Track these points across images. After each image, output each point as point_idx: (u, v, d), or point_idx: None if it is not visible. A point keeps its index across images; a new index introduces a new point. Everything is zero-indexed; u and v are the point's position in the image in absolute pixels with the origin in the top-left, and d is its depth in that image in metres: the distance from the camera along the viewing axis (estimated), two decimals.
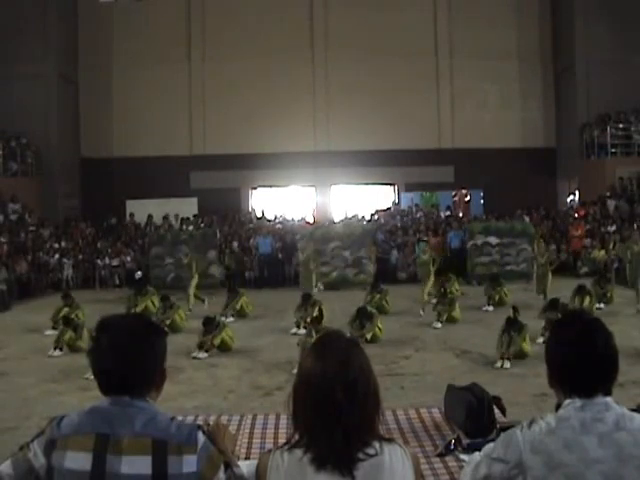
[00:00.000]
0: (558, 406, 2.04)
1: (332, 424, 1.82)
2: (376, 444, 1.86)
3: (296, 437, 1.89)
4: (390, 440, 1.91)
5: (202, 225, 21.40)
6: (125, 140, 22.94)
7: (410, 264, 19.04)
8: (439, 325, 12.04)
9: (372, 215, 22.11)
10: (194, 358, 9.99)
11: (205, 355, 10.09)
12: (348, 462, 1.82)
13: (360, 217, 21.83)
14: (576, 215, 21.01)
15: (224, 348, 10.42)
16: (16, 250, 18.48)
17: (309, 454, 1.83)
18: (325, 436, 1.82)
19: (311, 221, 21.90)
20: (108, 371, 2.00)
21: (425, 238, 18.43)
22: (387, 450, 1.86)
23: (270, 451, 1.94)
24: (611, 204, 20.48)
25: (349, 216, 21.93)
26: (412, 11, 23.01)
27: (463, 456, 4.47)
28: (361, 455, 1.83)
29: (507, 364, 9.00)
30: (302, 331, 11.27)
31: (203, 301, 14.59)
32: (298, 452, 1.86)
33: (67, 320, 11.08)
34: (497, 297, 14.11)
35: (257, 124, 22.69)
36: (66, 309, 12.16)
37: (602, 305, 13.14)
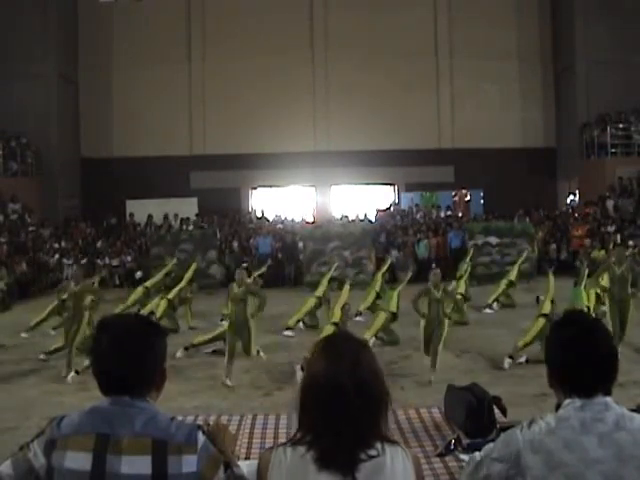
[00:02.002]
0: (558, 406, 2.04)
1: (341, 424, 1.83)
2: (378, 445, 1.86)
3: (299, 434, 1.90)
4: (392, 442, 1.91)
5: (202, 225, 21.41)
6: (125, 140, 22.94)
7: (410, 264, 19.05)
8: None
9: (368, 215, 22.13)
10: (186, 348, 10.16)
11: (181, 355, 10.01)
12: (351, 462, 1.82)
13: (358, 217, 21.84)
14: (577, 215, 21.03)
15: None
16: (16, 250, 18.49)
17: (312, 452, 1.84)
18: (332, 435, 1.83)
19: (311, 221, 21.92)
20: (108, 371, 2.01)
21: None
22: (389, 451, 1.87)
23: (272, 447, 1.95)
24: (610, 204, 20.47)
25: (347, 215, 21.93)
26: (412, 11, 23.00)
27: (463, 456, 4.47)
28: (363, 456, 1.83)
29: None
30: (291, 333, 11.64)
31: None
32: (301, 449, 1.86)
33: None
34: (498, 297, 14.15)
35: (257, 124, 22.69)
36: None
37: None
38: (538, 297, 10.17)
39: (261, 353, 9.77)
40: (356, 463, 1.82)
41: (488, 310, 13.80)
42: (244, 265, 9.95)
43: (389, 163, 22.81)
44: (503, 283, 14.44)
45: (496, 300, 14.13)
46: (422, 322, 8.92)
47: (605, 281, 9.66)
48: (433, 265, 10.46)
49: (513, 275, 14.71)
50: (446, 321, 8.81)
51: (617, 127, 21.57)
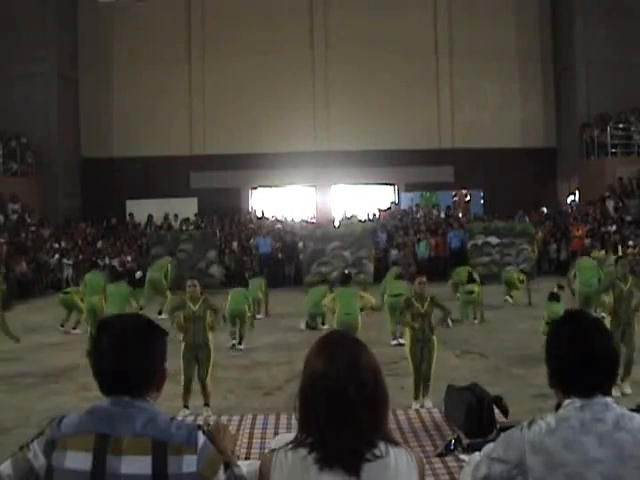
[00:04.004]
0: (558, 406, 2.04)
1: (344, 424, 1.82)
2: (381, 445, 1.86)
3: (299, 437, 1.90)
4: (396, 443, 1.91)
5: (202, 225, 21.42)
6: (125, 140, 22.94)
7: (410, 264, 19.04)
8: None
9: (372, 215, 22.14)
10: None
11: None
12: (357, 461, 1.82)
13: (359, 217, 21.85)
14: (577, 215, 21.02)
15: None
16: (16, 250, 18.49)
17: (314, 454, 1.83)
18: (336, 435, 1.82)
19: (312, 221, 21.93)
20: (108, 371, 2.00)
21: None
22: (392, 452, 1.87)
23: (273, 450, 1.94)
24: (610, 204, 20.45)
25: (348, 216, 21.95)
26: (412, 11, 23.01)
27: (463, 456, 4.47)
28: (369, 455, 1.83)
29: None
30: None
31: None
32: (302, 451, 1.86)
33: None
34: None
35: (257, 124, 22.69)
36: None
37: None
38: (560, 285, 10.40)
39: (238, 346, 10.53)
40: (362, 463, 1.82)
41: (509, 299, 14.27)
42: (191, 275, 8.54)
43: (389, 163, 22.81)
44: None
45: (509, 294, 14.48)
46: (407, 340, 7.61)
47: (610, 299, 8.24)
48: (417, 273, 8.77)
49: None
50: (434, 338, 7.51)
51: (617, 127, 21.56)
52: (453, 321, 12.17)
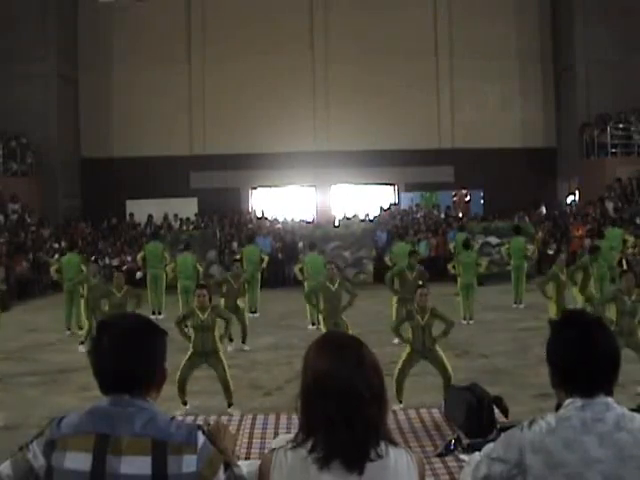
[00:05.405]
0: (558, 406, 2.04)
1: (354, 422, 1.82)
2: (382, 445, 1.86)
3: (300, 437, 1.89)
4: (396, 443, 1.91)
5: (202, 225, 21.43)
6: (125, 140, 22.93)
7: None
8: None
9: (369, 215, 22.13)
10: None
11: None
12: (362, 459, 1.82)
13: (360, 217, 21.84)
14: (577, 215, 20.99)
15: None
16: (16, 250, 18.48)
17: (315, 453, 1.83)
18: (343, 433, 1.81)
19: (312, 221, 21.94)
20: (109, 371, 2.00)
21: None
22: (392, 453, 1.87)
23: (273, 450, 1.94)
24: (610, 205, 20.41)
25: (349, 216, 21.94)
26: (412, 11, 22.99)
27: (463, 456, 4.48)
28: (373, 455, 1.83)
29: None
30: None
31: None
32: (302, 451, 1.85)
33: None
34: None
35: (257, 124, 22.68)
36: None
37: None
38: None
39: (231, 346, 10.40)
40: (366, 461, 1.82)
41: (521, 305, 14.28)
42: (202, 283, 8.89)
43: (389, 163, 22.81)
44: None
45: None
46: (406, 349, 7.51)
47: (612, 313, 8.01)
48: (419, 282, 8.78)
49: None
50: (436, 347, 7.38)
51: (617, 127, 21.55)
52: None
